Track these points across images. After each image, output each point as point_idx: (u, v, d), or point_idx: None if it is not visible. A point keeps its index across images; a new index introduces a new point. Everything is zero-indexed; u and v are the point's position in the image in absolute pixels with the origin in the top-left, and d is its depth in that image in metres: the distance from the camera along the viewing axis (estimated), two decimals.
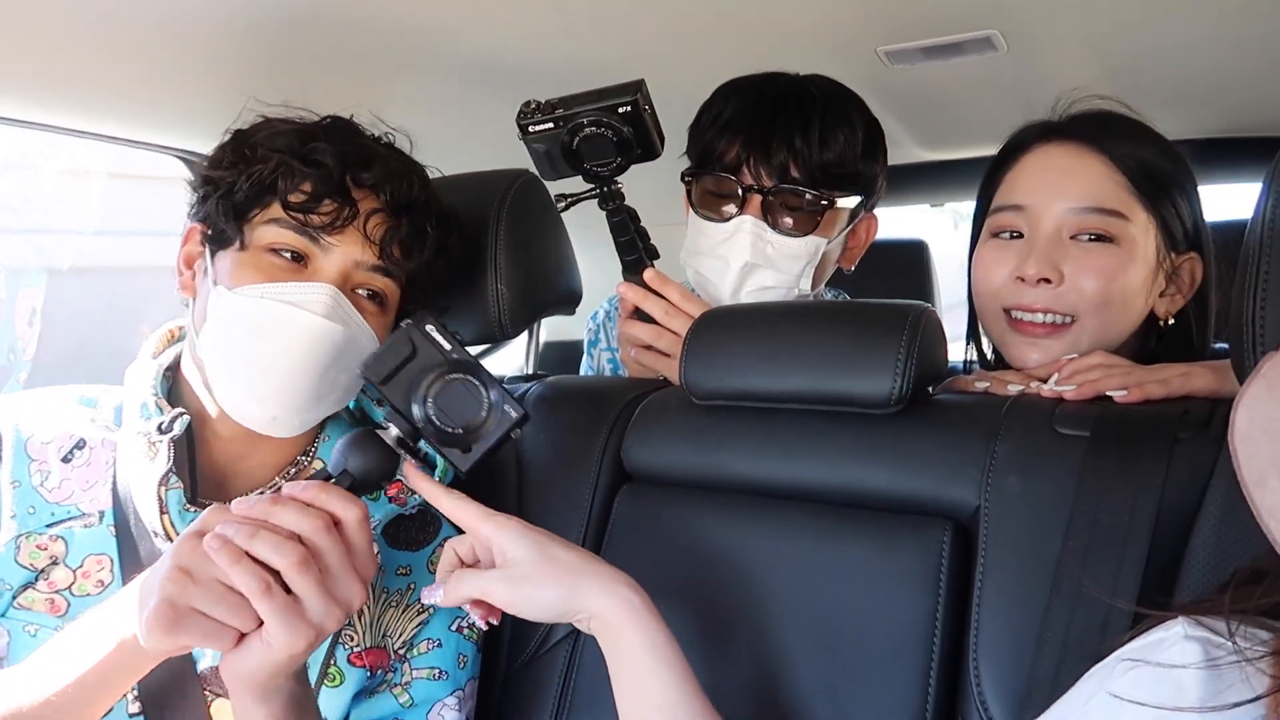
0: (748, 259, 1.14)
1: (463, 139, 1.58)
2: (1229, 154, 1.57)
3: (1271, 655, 0.54)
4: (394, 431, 0.80)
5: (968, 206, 1.26)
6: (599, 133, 1.06)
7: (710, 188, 1.18)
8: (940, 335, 0.94)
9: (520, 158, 1.17)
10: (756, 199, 1.14)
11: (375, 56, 1.31)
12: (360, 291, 0.90)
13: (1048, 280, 0.98)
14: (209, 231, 0.90)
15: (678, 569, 0.95)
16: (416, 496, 0.95)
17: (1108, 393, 0.88)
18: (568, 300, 1.24)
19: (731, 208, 1.16)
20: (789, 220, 1.15)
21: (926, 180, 1.94)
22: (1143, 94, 1.14)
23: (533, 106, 1.08)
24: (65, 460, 0.90)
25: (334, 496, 0.74)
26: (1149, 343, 1.05)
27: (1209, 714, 0.55)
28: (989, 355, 1.15)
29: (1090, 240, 0.99)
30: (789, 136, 1.13)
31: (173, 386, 0.94)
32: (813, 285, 1.20)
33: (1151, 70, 1.15)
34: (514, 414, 0.80)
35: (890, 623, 0.84)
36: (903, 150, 1.83)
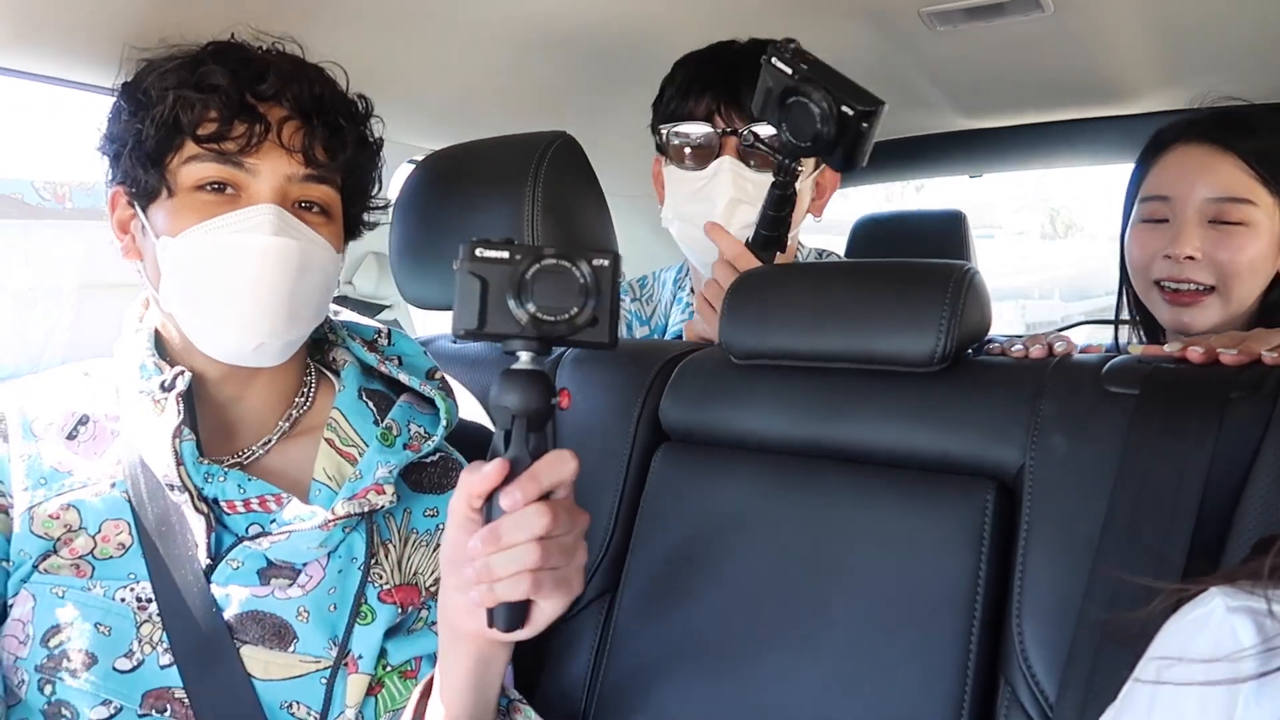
0: (731, 194, 1.22)
1: (501, 101, 1.57)
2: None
3: None
4: (524, 356, 0.75)
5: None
6: (819, 110, 1.03)
7: (686, 140, 1.26)
8: (984, 295, 0.93)
9: (541, 125, 1.17)
10: (732, 141, 1.23)
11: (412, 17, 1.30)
12: (301, 205, 0.89)
13: (1192, 257, 1.17)
14: (133, 189, 0.89)
15: (715, 529, 0.95)
16: (430, 444, 0.95)
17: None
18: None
19: (708, 155, 1.25)
20: (762, 158, 1.23)
21: (965, 149, 1.91)
22: (1189, 55, 1.12)
23: (793, 47, 1.06)
24: (70, 437, 0.90)
25: (540, 476, 0.72)
26: (1272, 297, 1.22)
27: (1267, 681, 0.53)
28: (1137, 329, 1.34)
29: (1228, 225, 1.17)
30: (755, 81, 1.19)
31: (160, 347, 0.94)
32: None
33: (1199, 31, 1.14)
34: (606, 262, 0.72)
35: (933, 583, 0.84)
36: (941, 118, 1.81)
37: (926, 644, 0.82)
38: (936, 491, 0.87)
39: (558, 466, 0.72)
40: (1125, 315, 1.35)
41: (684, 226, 1.28)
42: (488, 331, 0.72)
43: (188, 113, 0.85)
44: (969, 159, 1.99)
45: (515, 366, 0.74)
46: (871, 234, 2.02)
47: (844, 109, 1.01)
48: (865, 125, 1.02)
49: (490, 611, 0.74)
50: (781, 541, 0.92)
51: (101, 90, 1.12)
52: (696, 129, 1.25)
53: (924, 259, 0.95)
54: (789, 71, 1.03)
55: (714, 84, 1.25)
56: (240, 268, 0.85)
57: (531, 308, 0.71)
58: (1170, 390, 0.81)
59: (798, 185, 1.20)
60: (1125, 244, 1.29)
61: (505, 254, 0.72)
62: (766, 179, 1.20)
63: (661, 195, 1.35)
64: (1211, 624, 0.57)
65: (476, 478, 0.71)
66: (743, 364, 1.00)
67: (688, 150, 1.27)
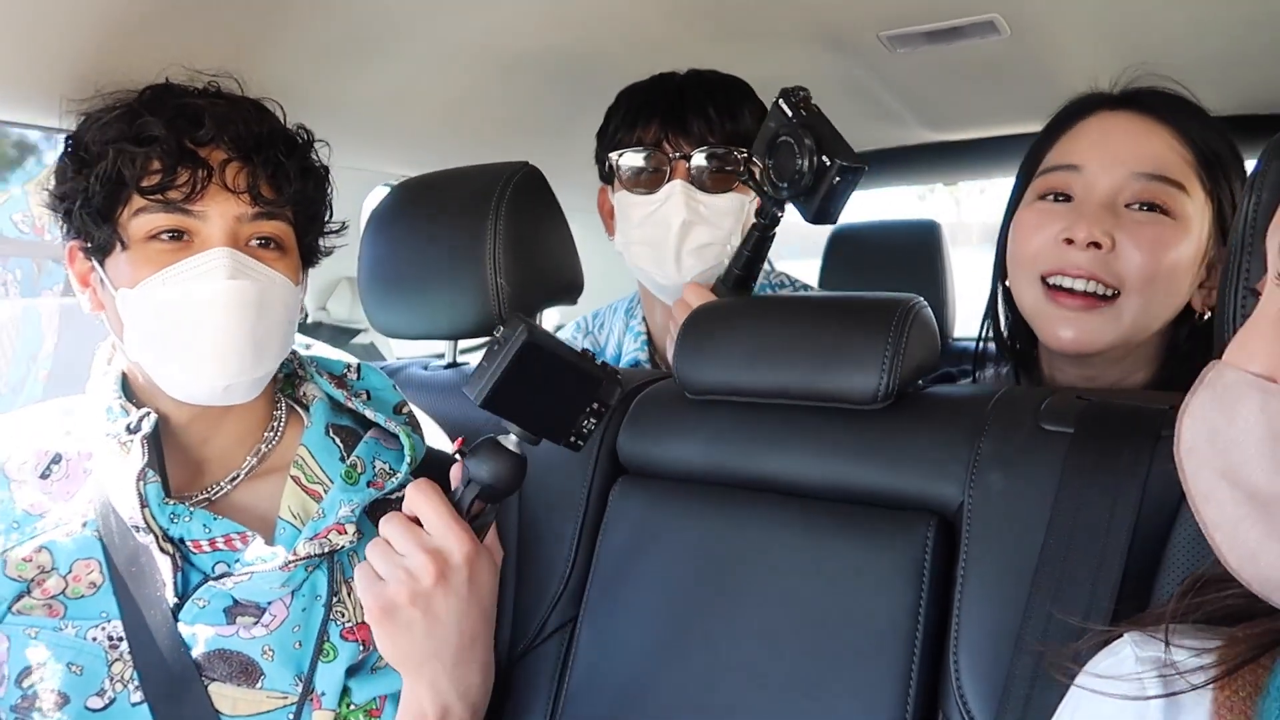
0: (684, 217, 1.25)
1: (462, 131, 1.59)
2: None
3: (1217, 662, 0.54)
4: (513, 437, 0.84)
5: None
6: (801, 155, 1.02)
7: (637, 166, 1.30)
8: (930, 329, 0.94)
9: (512, 146, 1.18)
10: (682, 165, 1.27)
11: (363, 41, 1.30)
12: (254, 243, 0.91)
13: (1098, 245, 0.93)
14: (88, 244, 0.90)
15: (669, 562, 0.97)
16: (393, 481, 0.97)
17: None
18: (569, 291, 1.25)
19: (659, 180, 1.28)
20: (712, 181, 1.27)
21: (932, 160, 1.93)
22: (1144, 78, 1.12)
23: (802, 95, 1.06)
24: (44, 477, 0.92)
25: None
26: (1180, 336, 1.01)
27: None
28: (1005, 334, 1.11)
29: (1144, 210, 0.94)
30: (701, 109, 1.27)
31: (128, 390, 0.96)
32: None
33: (1155, 52, 1.14)
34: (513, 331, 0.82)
35: (874, 616, 0.85)
36: (908, 131, 1.83)
37: (869, 677, 0.84)
38: (880, 526, 0.89)
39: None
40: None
41: (639, 250, 1.30)
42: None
43: (129, 167, 0.86)
44: (937, 169, 2.01)
45: (501, 439, 0.83)
46: (847, 245, 2.04)
47: (823, 158, 1.01)
48: (839, 180, 1.00)
49: None
50: (734, 573, 0.93)
51: (51, 129, 1.12)
52: (646, 154, 1.29)
53: (871, 294, 0.96)
54: (789, 115, 1.04)
55: (661, 110, 1.28)
56: (200, 314, 0.86)
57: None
58: (1103, 428, 0.82)
59: (740, 196, 1.27)
60: (1008, 234, 1.04)
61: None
62: (718, 201, 1.26)
63: (609, 225, 1.38)
64: (1121, 676, 0.59)
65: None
66: (696, 398, 1.02)
67: (638, 176, 1.30)
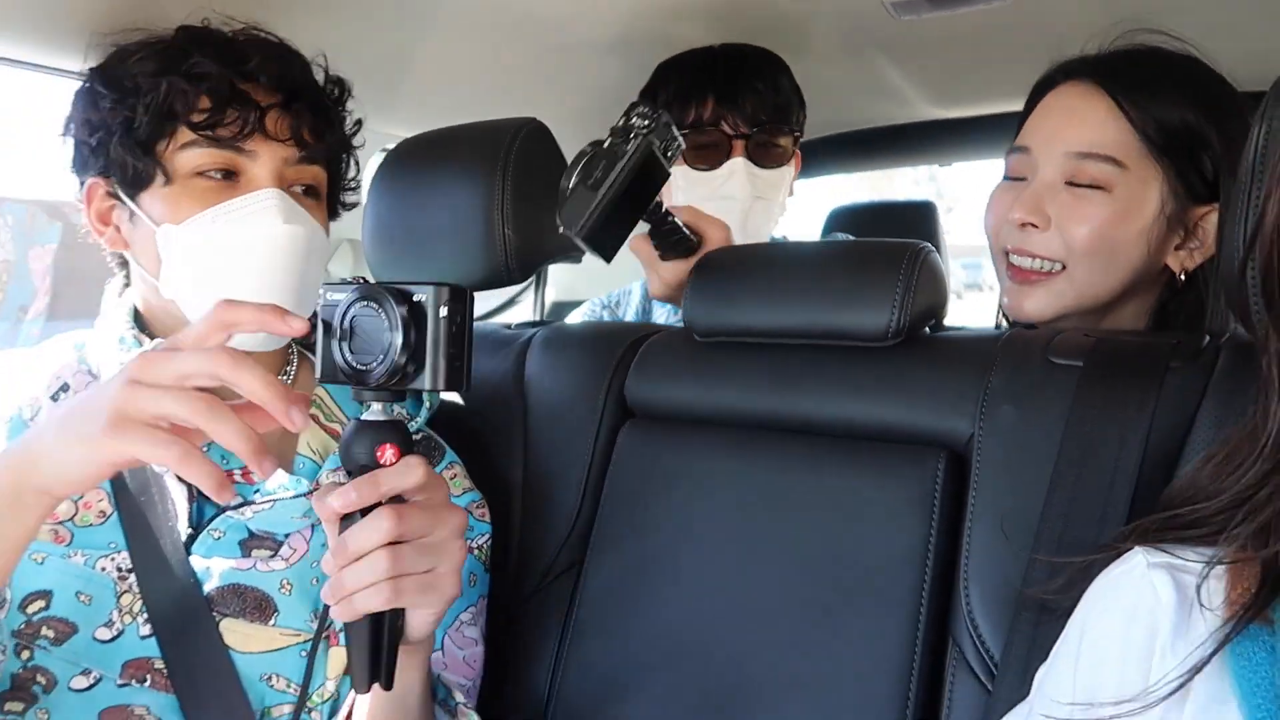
0: (750, 191, 1.33)
1: (466, 94, 1.59)
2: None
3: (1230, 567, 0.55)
4: (375, 406, 0.69)
5: None
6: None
7: (697, 143, 1.34)
8: (938, 273, 0.95)
9: (515, 112, 1.19)
10: (741, 144, 1.33)
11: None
12: (296, 188, 0.91)
13: (1034, 225, 0.99)
14: (119, 177, 0.88)
15: (678, 502, 0.98)
16: (419, 420, 0.96)
17: None
18: (574, 247, 1.25)
19: (718, 155, 1.34)
20: (767, 155, 1.35)
21: (936, 139, 1.94)
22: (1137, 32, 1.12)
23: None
24: (53, 399, 0.91)
25: (380, 480, 0.68)
26: (1163, 297, 1.03)
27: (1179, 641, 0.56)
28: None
29: (1084, 188, 0.97)
30: (752, 87, 1.34)
31: (139, 324, 0.95)
32: None
33: (1161, 20, 1.14)
34: (423, 297, 0.64)
35: (886, 549, 0.86)
36: (911, 108, 1.83)
37: (879, 606, 0.85)
38: (891, 461, 0.89)
39: (402, 471, 0.67)
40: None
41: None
42: (331, 380, 0.66)
43: (181, 100, 0.85)
44: (940, 148, 2.02)
45: (364, 416, 0.68)
46: (844, 224, 2.05)
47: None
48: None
49: (350, 652, 0.69)
50: (742, 512, 0.94)
51: (68, 74, 1.12)
52: (705, 132, 1.33)
53: (880, 239, 0.97)
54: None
55: (715, 88, 1.33)
56: (253, 255, 0.86)
57: (349, 355, 0.65)
58: (1112, 361, 0.83)
59: (787, 169, 1.36)
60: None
61: (340, 296, 0.65)
62: (774, 175, 1.35)
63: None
64: (1133, 579, 0.60)
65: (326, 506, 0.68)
66: (705, 341, 1.02)
67: (698, 152, 1.34)
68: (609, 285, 1.67)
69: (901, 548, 0.85)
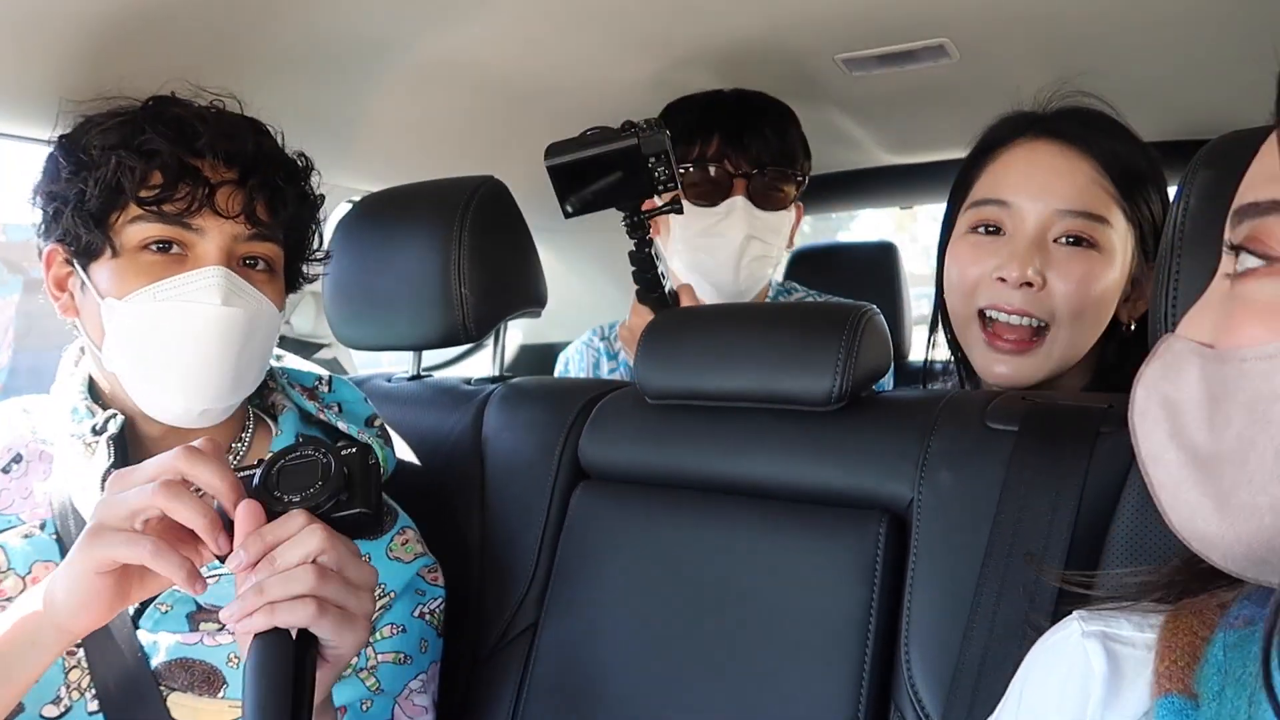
0: (746, 232, 1.35)
1: (430, 150, 1.61)
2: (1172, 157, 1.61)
3: (1159, 634, 0.57)
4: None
5: None
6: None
7: (699, 179, 1.38)
8: (882, 335, 0.97)
9: (479, 167, 1.20)
10: (742, 183, 1.37)
11: (335, 65, 1.33)
12: (247, 263, 0.91)
13: (1030, 284, 0.97)
14: (73, 246, 0.89)
15: (631, 563, 0.99)
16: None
17: None
18: (532, 303, 1.27)
19: (719, 193, 1.37)
20: (768, 198, 1.38)
21: (891, 183, 1.98)
22: (1088, 101, 1.16)
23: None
24: (4, 471, 0.91)
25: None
26: (1109, 349, 1.05)
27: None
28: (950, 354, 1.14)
29: (1070, 244, 0.98)
30: (758, 130, 1.37)
31: (94, 393, 0.95)
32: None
33: (1093, 77, 1.19)
34: (354, 450, 0.75)
35: (829, 612, 0.88)
36: (867, 154, 1.87)
37: (824, 670, 0.86)
38: (834, 525, 0.91)
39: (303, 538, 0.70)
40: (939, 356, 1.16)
41: (701, 256, 1.39)
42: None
43: (129, 176, 0.86)
44: (896, 192, 2.06)
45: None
46: (807, 265, 2.08)
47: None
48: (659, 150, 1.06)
49: (258, 689, 0.68)
50: (693, 573, 0.95)
51: (35, 142, 1.13)
52: (709, 168, 1.37)
53: (826, 299, 0.99)
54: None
55: (720, 128, 1.37)
56: (186, 337, 0.86)
57: (278, 493, 0.73)
58: (1046, 426, 0.86)
59: (787, 214, 1.40)
60: (944, 263, 1.07)
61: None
62: (771, 218, 1.38)
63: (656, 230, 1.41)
64: (1069, 647, 0.62)
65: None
66: (656, 403, 1.04)
67: (698, 188, 1.37)
68: (576, 331, 1.67)
69: (844, 611, 0.87)
